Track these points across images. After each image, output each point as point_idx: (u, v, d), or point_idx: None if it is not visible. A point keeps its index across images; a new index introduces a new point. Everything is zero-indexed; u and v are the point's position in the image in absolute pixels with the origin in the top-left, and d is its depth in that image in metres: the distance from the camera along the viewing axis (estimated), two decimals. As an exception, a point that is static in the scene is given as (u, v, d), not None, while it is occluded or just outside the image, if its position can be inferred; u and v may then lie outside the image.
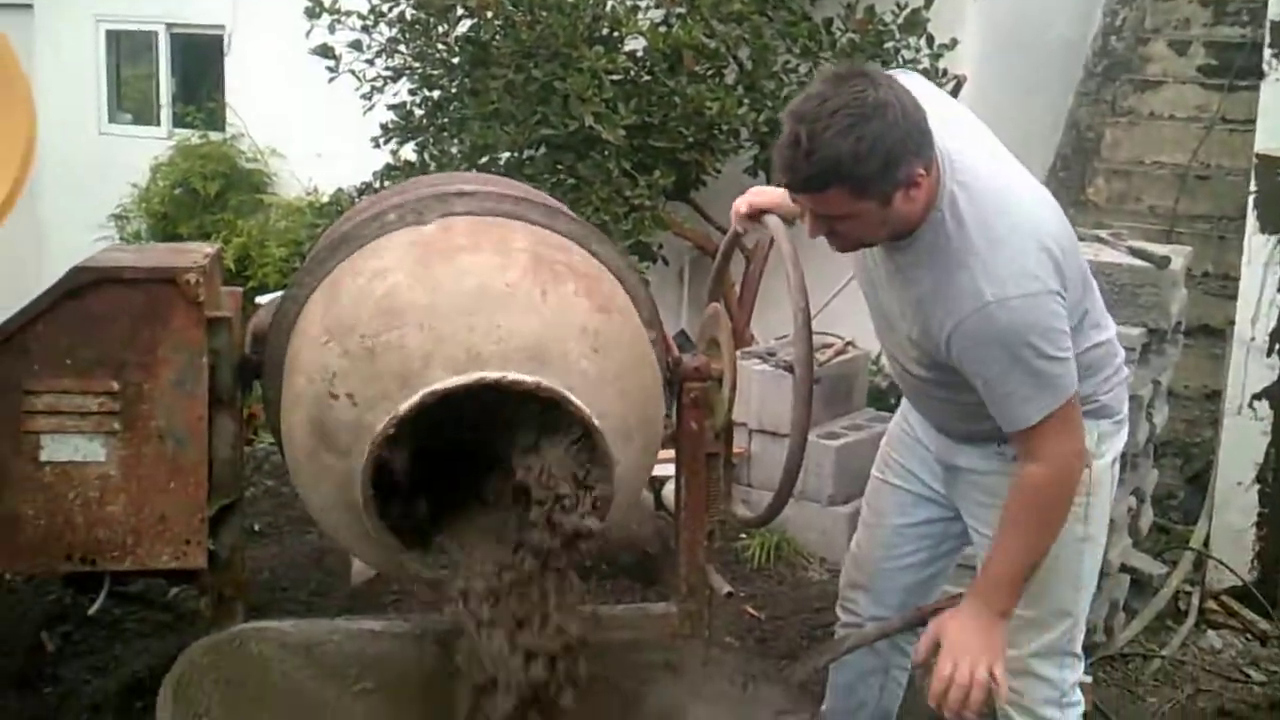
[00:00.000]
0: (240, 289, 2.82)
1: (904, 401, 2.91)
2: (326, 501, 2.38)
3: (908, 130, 2.23)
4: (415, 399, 2.19)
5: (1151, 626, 4.47)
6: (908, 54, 5.63)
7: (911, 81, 2.42)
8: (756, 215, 2.82)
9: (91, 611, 2.61)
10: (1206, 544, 4.77)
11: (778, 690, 2.43)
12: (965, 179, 2.36)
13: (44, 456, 2.41)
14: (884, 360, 2.69)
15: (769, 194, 2.83)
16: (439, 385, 2.19)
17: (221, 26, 9.51)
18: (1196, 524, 4.92)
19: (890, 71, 2.40)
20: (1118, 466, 2.71)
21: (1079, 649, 2.74)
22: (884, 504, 2.91)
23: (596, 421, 2.27)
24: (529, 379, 2.22)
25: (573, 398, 2.25)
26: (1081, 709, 2.77)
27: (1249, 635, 4.52)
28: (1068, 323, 2.36)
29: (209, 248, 2.69)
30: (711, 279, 3.18)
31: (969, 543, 2.84)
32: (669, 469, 2.98)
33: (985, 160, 2.44)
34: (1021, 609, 2.56)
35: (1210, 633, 4.52)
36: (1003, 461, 2.57)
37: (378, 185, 5.76)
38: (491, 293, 2.28)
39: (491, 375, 2.21)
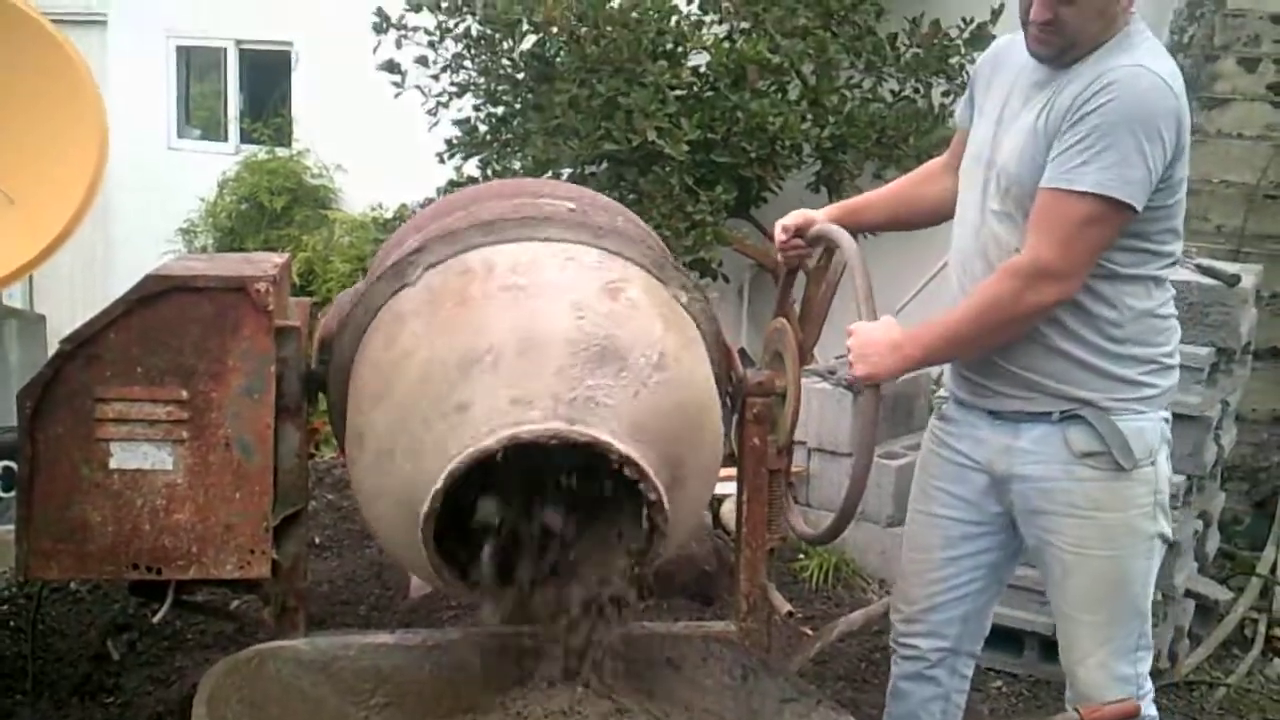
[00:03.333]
0: (308, 300, 2.85)
1: (939, 423, 2.86)
2: (388, 508, 2.37)
3: None
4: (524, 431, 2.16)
5: (1217, 654, 4.40)
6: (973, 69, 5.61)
7: None
8: (807, 229, 2.86)
9: (156, 620, 2.60)
10: (1274, 570, 4.69)
11: (779, 680, 2.43)
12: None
13: (113, 464, 2.42)
14: (953, 281, 2.75)
15: (810, 214, 2.92)
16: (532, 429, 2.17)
17: (289, 43, 9.64)
18: (1263, 550, 4.83)
19: None
20: (1170, 468, 2.69)
21: (1149, 639, 2.72)
22: (929, 539, 2.85)
23: (665, 501, 2.24)
24: (620, 446, 2.17)
25: (650, 474, 2.20)
26: (1152, 696, 2.75)
27: (1318, 664, 4.44)
28: (1162, 161, 2.45)
29: (278, 257, 2.70)
30: (777, 294, 3.18)
31: (1021, 555, 2.83)
32: (727, 487, 2.96)
33: None
34: (1095, 613, 2.64)
35: (1277, 661, 4.44)
36: (1066, 454, 2.58)
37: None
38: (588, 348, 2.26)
39: (590, 434, 2.17)
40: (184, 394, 2.42)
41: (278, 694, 2.33)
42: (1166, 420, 2.64)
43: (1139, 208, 2.44)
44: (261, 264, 2.58)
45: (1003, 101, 2.65)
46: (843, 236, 2.72)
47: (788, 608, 2.76)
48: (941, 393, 2.89)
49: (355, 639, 2.54)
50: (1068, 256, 2.44)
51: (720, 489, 3.46)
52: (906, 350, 2.55)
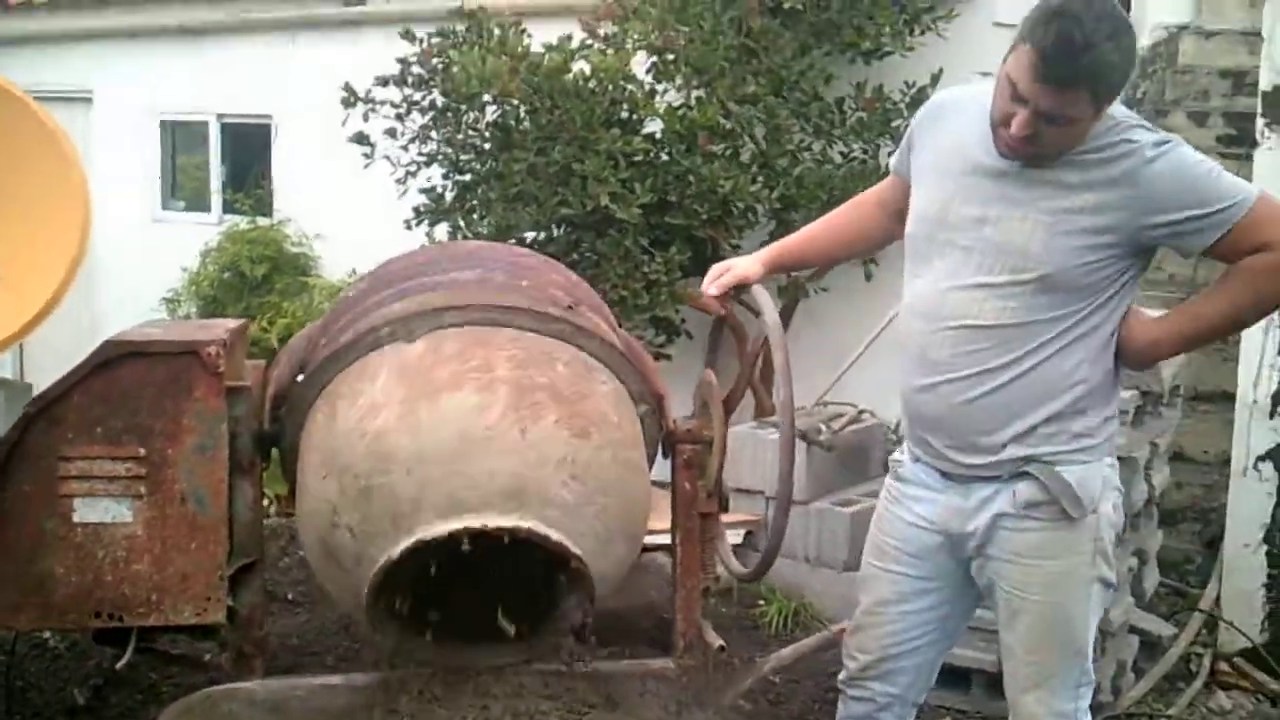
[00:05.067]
0: (263, 362, 3.01)
1: (895, 482, 2.92)
2: (340, 595, 2.61)
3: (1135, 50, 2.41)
4: (402, 546, 2.42)
5: (1160, 687, 4.51)
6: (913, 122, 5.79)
7: None
8: (728, 293, 2.97)
9: (119, 666, 2.75)
10: (1218, 604, 4.82)
11: (709, 713, 2.59)
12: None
13: (76, 518, 2.59)
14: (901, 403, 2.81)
15: (732, 265, 2.98)
16: (422, 534, 2.41)
17: (269, 116, 9.84)
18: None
19: None
20: (1120, 513, 2.79)
21: (1091, 675, 2.80)
22: (884, 593, 2.89)
23: (574, 549, 2.48)
24: (507, 523, 2.43)
25: (550, 533, 2.46)
26: None
27: (1259, 696, 4.56)
28: None
29: (233, 323, 2.88)
30: (707, 349, 3.35)
31: (978, 608, 2.94)
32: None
33: None
34: (1037, 653, 2.73)
35: (1220, 693, 4.56)
36: (1012, 505, 2.67)
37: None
38: (472, 438, 2.46)
39: (474, 523, 2.42)
40: (141, 451, 2.59)
41: None
42: (1112, 466, 2.72)
43: None
44: (215, 329, 2.75)
45: (954, 163, 2.66)
46: (765, 306, 2.83)
47: (719, 643, 2.91)
48: (896, 455, 2.95)
49: (305, 681, 2.70)
50: None
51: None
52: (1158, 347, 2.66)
